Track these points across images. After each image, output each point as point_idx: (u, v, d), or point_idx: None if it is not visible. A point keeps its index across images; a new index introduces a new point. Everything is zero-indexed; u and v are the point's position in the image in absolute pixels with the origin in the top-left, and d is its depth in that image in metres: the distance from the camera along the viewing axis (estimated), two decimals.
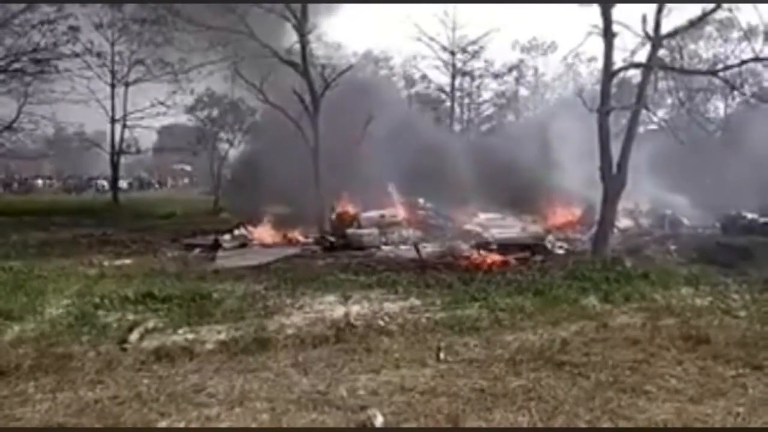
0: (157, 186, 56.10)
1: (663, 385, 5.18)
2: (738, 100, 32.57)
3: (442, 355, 6.05)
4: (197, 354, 6.15)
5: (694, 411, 4.66)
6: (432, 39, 34.57)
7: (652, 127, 28.51)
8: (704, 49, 31.98)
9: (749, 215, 15.34)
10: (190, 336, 6.77)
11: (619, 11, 12.30)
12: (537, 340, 6.57)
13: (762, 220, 14.81)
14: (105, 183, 45.48)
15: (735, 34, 30.50)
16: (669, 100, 31.22)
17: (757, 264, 11.27)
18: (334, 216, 15.88)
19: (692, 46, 31.18)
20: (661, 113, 29.98)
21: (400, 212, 15.95)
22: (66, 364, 5.78)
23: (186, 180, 58.78)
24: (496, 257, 11.64)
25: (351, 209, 16.18)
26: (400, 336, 6.78)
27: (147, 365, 5.84)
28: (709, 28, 29.84)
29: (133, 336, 6.62)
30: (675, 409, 4.69)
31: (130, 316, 7.58)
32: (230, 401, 4.96)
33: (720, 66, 26.35)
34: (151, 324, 7.16)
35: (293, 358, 6.03)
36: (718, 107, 33.39)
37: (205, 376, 5.52)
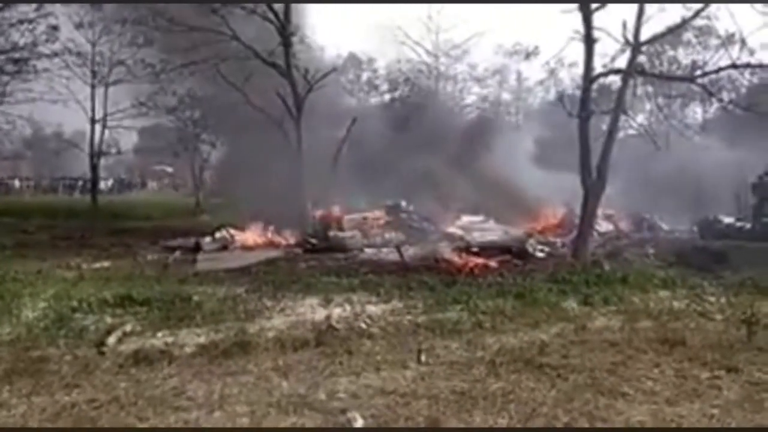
0: (138, 187, 55.51)
1: (640, 387, 5.24)
2: (716, 106, 33.20)
3: (423, 358, 6.06)
4: (176, 357, 6.09)
5: (669, 412, 4.72)
6: (416, 43, 34.74)
7: (632, 132, 28.93)
8: (683, 56, 32.48)
9: (726, 219, 15.62)
10: (169, 339, 6.70)
11: (600, 17, 12.47)
12: (517, 343, 6.61)
13: (738, 224, 15.08)
14: (80, 183, 44.90)
15: (713, 41, 31.08)
16: (648, 106, 31.69)
17: (732, 267, 11.49)
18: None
19: (671, 53, 31.69)
20: (640, 119, 30.48)
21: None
22: (42, 368, 5.69)
23: (167, 181, 58.22)
24: (478, 260, 11.71)
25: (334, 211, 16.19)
26: (381, 339, 6.78)
27: (125, 369, 5.77)
28: (688, 35, 30.33)
29: (111, 339, 6.54)
30: (651, 411, 4.75)
31: (108, 320, 7.49)
32: (210, 405, 4.92)
33: (699, 72, 26.81)
34: (129, 327, 7.08)
35: (274, 361, 5.99)
36: (696, 112, 33.93)
37: (184, 380, 5.46)
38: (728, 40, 22.09)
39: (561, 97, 24.56)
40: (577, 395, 5.03)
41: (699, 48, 32.44)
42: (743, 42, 14.03)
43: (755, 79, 28.76)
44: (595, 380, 5.38)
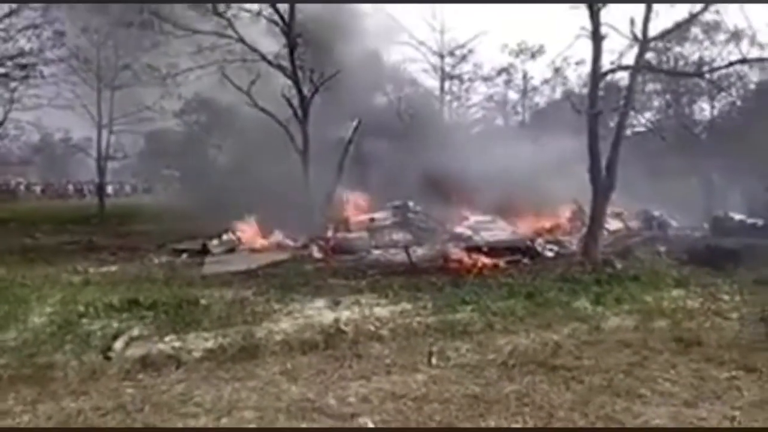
0: (147, 191, 55.58)
1: (657, 388, 5.12)
2: (723, 102, 32.84)
3: (433, 360, 5.97)
4: (184, 362, 6.03)
5: (689, 415, 4.60)
6: (421, 43, 34.49)
7: (639, 129, 28.68)
8: (690, 52, 32.12)
9: (737, 216, 15.39)
10: (177, 344, 6.63)
11: (607, 13, 12.30)
12: (529, 344, 6.50)
13: (750, 221, 14.86)
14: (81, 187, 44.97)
15: (722, 37, 30.77)
16: (656, 103, 31.38)
17: (746, 265, 11.29)
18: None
19: (678, 49, 31.34)
20: (648, 116, 30.25)
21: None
22: (48, 375, 5.64)
23: (175, 185, 58.21)
24: (487, 260, 11.57)
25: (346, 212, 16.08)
26: (391, 341, 6.69)
27: (132, 374, 5.71)
28: (695, 31, 30.00)
29: (118, 344, 6.47)
30: (670, 413, 4.63)
31: (115, 324, 7.42)
32: (218, 411, 4.84)
33: (706, 68, 26.54)
34: (136, 332, 7.02)
35: (282, 365, 5.91)
36: (704, 109, 33.53)
37: (191, 385, 5.39)
38: (735, 36, 21.89)
39: (569, 95, 24.44)
40: (593, 398, 4.91)
41: (706, 44, 32.09)
42: (753, 37, 13.93)
43: (765, 75, 28.45)
44: (611, 382, 5.25)
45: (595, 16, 12.26)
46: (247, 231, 15.79)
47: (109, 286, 9.77)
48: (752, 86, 28.54)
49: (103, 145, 28.40)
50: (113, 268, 12.16)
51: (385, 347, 6.47)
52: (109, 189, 40.35)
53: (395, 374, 5.63)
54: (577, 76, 35.42)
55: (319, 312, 8.06)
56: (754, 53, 12.64)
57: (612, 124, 17.66)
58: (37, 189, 50.35)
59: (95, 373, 5.67)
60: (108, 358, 6.11)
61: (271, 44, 17.35)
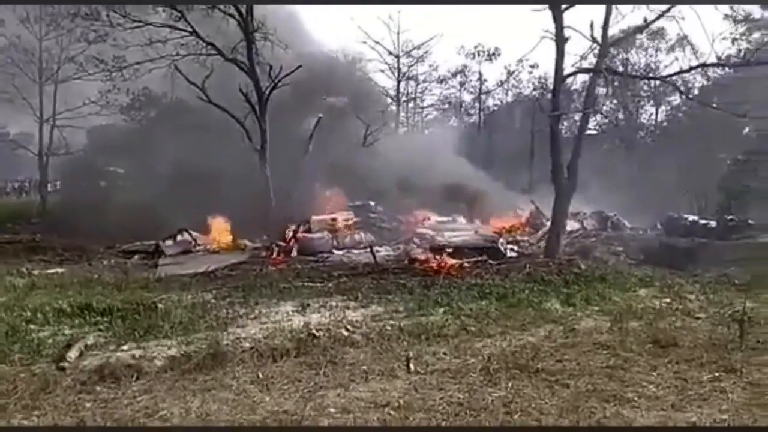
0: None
1: (643, 392, 5.05)
2: (669, 106, 34.11)
3: (412, 366, 5.75)
4: (145, 372, 5.63)
5: (679, 419, 4.54)
6: (377, 42, 34.29)
7: (591, 131, 29.42)
8: (636, 59, 33.19)
9: (690, 217, 15.81)
10: (137, 352, 6.17)
11: (570, 15, 12.37)
12: (507, 347, 6.37)
13: (702, 222, 15.28)
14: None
15: (664, 45, 31.95)
16: (604, 107, 32.32)
17: (702, 265, 11.59)
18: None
19: (623, 55, 32.30)
20: (597, 119, 31.18)
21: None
22: None
23: (120, 183, 56.13)
24: (453, 261, 11.45)
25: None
26: (365, 346, 6.45)
27: (89, 386, 5.27)
28: (640, 37, 31.01)
29: (72, 353, 5.98)
30: (660, 418, 4.55)
31: (67, 331, 6.92)
32: (187, 426, 4.49)
33: (650, 74, 27.47)
34: (91, 339, 6.52)
35: (253, 373, 5.59)
36: (652, 114, 34.65)
37: (156, 398, 5.01)
38: (680, 43, 22.65)
39: (524, 99, 24.67)
40: (582, 403, 4.80)
41: (650, 50, 33.25)
42: (691, 45, 14.42)
43: (705, 80, 29.62)
44: (596, 386, 5.16)
45: (558, 19, 12.31)
46: (203, 231, 15.24)
47: (57, 290, 9.14)
48: (696, 91, 29.71)
49: (45, 141, 27.04)
50: (60, 270, 11.45)
51: (360, 352, 6.23)
52: (49, 187, 38.44)
53: (374, 381, 5.40)
54: (527, 80, 36.09)
55: (288, 316, 7.71)
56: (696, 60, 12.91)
57: (561, 128, 17.92)
58: None
59: (48, 386, 5.20)
60: (61, 369, 5.63)
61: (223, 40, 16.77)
